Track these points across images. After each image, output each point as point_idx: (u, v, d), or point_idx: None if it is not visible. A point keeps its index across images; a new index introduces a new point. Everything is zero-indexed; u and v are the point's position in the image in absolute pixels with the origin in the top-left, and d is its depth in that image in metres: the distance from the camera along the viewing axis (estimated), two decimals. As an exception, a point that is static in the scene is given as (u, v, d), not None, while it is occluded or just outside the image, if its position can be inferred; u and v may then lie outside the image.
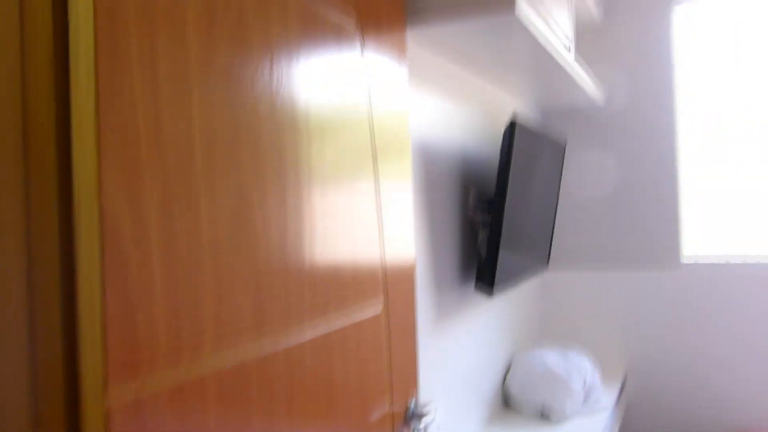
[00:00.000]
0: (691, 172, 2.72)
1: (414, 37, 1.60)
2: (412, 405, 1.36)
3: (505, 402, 2.36)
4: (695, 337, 2.65)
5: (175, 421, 0.72)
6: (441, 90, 1.87)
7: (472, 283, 2.09)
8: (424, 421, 1.35)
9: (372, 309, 1.18)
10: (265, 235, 0.87)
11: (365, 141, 1.18)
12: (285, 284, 0.91)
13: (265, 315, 0.87)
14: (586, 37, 2.80)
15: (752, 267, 2.57)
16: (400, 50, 1.42)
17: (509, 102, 2.48)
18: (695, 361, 2.64)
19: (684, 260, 2.67)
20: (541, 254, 2.41)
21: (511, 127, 1.84)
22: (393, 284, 1.29)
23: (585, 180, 2.83)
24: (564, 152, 2.52)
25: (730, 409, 2.59)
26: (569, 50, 2.07)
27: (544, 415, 2.23)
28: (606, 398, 2.35)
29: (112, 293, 0.64)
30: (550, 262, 2.88)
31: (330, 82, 1.07)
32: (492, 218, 1.90)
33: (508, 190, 1.87)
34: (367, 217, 1.17)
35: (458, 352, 1.97)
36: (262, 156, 0.88)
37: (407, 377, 1.36)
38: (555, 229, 2.89)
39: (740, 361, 2.59)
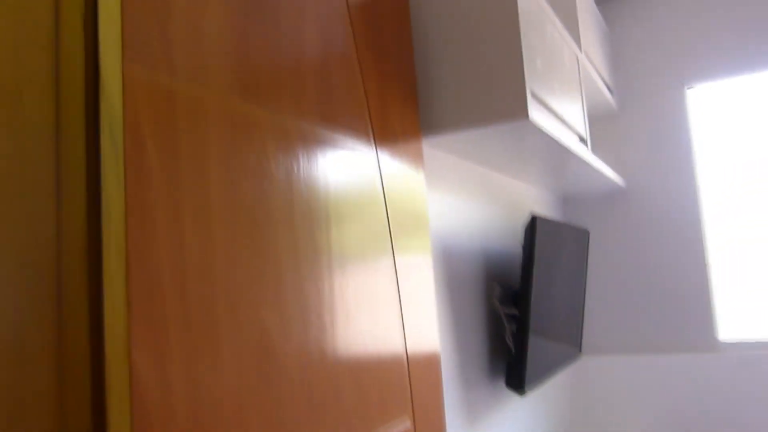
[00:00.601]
0: (721, 251, 2.70)
1: (430, 142, 1.66)
2: None
3: (545, 499, 2.28)
4: (739, 422, 2.55)
5: None
6: (459, 187, 1.91)
7: (502, 378, 2.06)
8: None
9: (399, 426, 1.18)
10: (286, 366, 0.89)
11: (382, 228, 1.21)
12: (308, 416, 0.92)
13: (290, 450, 0.88)
14: (604, 123, 2.85)
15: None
16: (416, 156, 1.47)
17: (529, 191, 2.51)
18: (741, 447, 2.54)
19: (721, 341, 2.61)
20: (572, 341, 2.38)
21: (532, 223, 1.85)
22: (419, 393, 1.28)
23: (613, 262, 2.82)
24: (588, 238, 2.52)
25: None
26: (585, 142, 2.11)
27: None
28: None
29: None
30: (582, 347, 2.83)
31: (349, 198, 1.11)
32: (519, 312, 1.90)
33: (533, 283, 1.88)
34: (389, 314, 1.18)
35: (492, 452, 1.92)
36: (282, 280, 0.90)
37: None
38: (586, 314, 2.86)
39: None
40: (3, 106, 0.62)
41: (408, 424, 1.21)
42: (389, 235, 1.24)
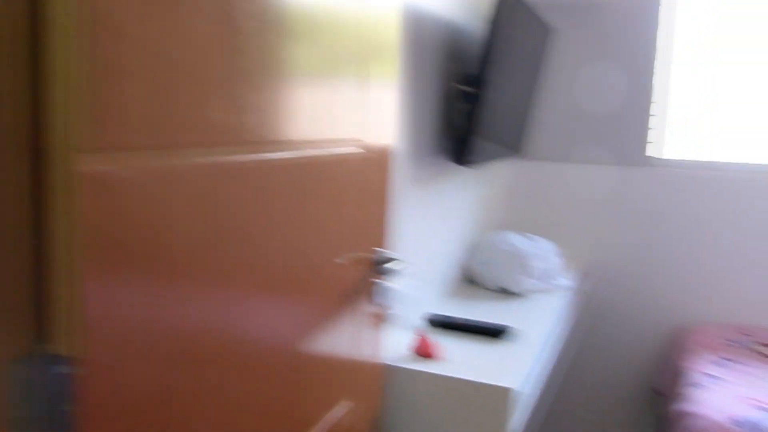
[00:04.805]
0: (681, 74, 2.71)
1: None
2: (382, 253, 1.39)
3: (469, 279, 2.42)
4: (658, 235, 2.73)
5: (147, 202, 0.72)
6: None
7: (448, 156, 2.09)
8: (392, 267, 1.38)
9: (348, 149, 1.19)
10: (250, 61, 0.85)
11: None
12: (265, 105, 0.90)
13: (245, 130, 0.86)
14: None
15: (721, 170, 2.62)
16: None
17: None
18: (656, 258, 2.74)
19: (653, 159, 2.72)
20: (516, 137, 2.42)
21: (502, -5, 1.79)
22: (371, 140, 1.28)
23: (566, 73, 2.81)
24: (550, 36, 2.48)
25: (683, 306, 2.72)
26: None
27: (504, 291, 2.30)
28: (565, 281, 2.42)
29: (93, 58, 0.62)
30: (524, 151, 2.90)
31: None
32: (474, 89, 1.89)
33: (492, 62, 1.85)
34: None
35: (427, 225, 2.00)
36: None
37: (377, 226, 1.39)
38: (532, 119, 2.89)
39: (699, 260, 2.68)
40: None
41: (356, 151, 1.21)
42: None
